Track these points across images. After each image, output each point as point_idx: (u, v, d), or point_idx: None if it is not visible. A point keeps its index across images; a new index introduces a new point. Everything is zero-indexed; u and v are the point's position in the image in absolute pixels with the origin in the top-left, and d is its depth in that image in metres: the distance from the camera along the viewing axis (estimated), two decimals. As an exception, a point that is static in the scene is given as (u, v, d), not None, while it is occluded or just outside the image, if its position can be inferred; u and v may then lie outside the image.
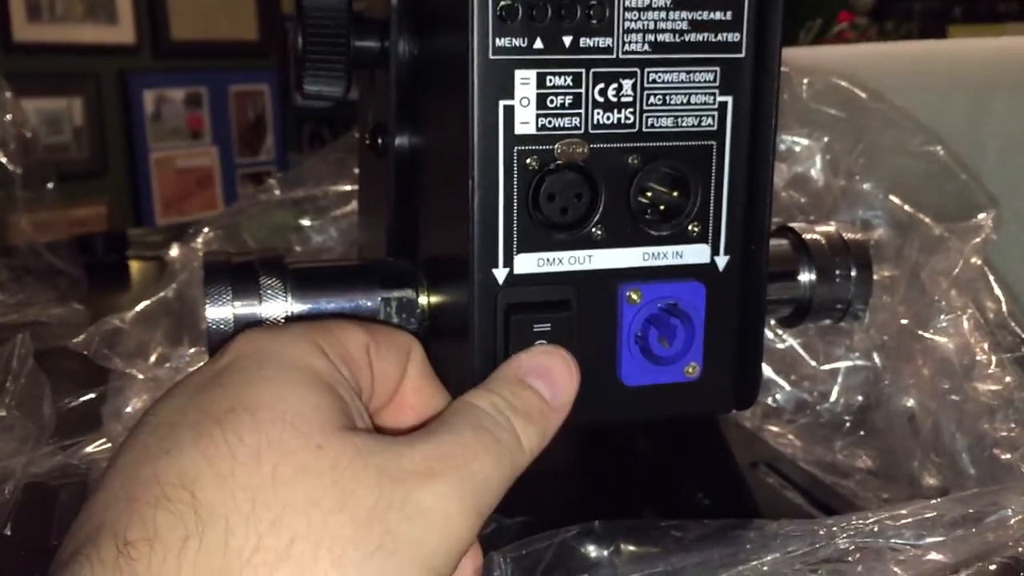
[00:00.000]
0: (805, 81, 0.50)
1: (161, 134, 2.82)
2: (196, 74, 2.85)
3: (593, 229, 0.33)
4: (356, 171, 0.61)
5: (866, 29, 1.55)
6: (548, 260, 0.33)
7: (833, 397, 0.48)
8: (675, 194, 0.34)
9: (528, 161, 0.32)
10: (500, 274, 0.33)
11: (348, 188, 0.61)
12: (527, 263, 0.33)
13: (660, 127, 0.33)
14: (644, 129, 0.33)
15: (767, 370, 0.49)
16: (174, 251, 0.54)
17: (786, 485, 0.43)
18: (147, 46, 2.74)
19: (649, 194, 0.34)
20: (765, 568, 0.29)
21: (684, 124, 0.33)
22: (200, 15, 2.79)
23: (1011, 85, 0.58)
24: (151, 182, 2.79)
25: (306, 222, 0.59)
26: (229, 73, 2.93)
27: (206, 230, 0.57)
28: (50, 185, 0.78)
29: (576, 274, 0.33)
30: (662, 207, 0.34)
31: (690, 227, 0.34)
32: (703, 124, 0.33)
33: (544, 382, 0.31)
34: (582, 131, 0.32)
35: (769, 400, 0.49)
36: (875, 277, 0.41)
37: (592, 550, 0.31)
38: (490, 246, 0.32)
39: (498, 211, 0.32)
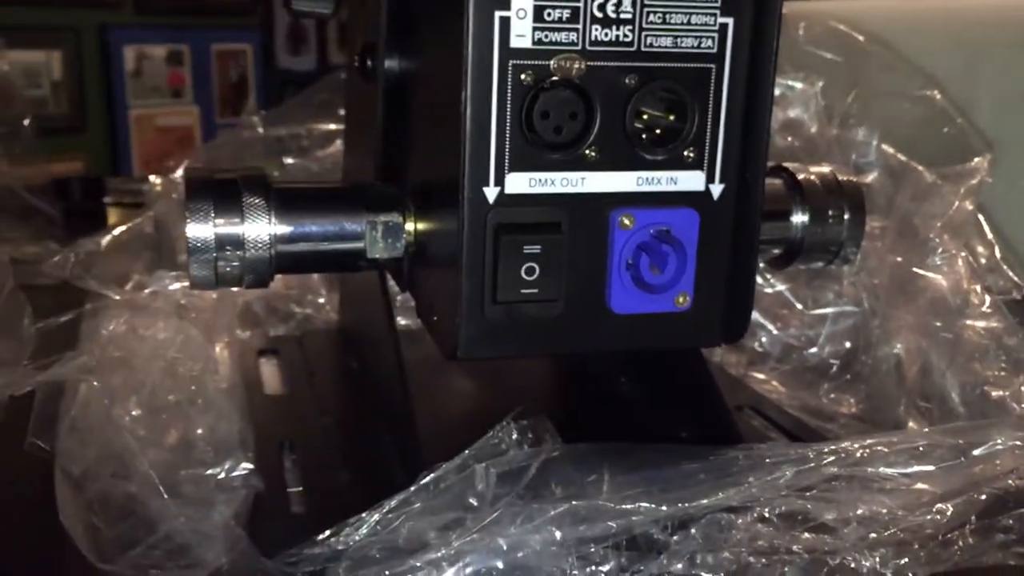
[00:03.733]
0: (802, 24, 0.49)
1: (141, 91, 2.78)
2: (178, 31, 2.80)
3: (587, 151, 0.32)
4: (341, 112, 0.60)
5: None
6: (540, 180, 0.32)
7: (820, 342, 0.47)
8: (672, 118, 0.33)
9: (523, 76, 0.31)
10: (491, 193, 0.32)
11: (332, 127, 0.60)
12: (519, 183, 0.32)
13: (659, 47, 0.32)
14: (643, 48, 0.32)
15: (754, 314, 0.48)
16: (153, 182, 0.52)
17: (770, 427, 0.42)
18: (129, 1, 2.69)
19: (645, 116, 0.33)
20: (752, 490, 0.29)
21: (683, 45, 0.32)
22: (183, -29, 2.75)
23: (1006, 42, 0.57)
24: (130, 139, 2.75)
25: (289, 160, 0.58)
26: (212, 31, 2.88)
27: (186, 164, 0.55)
28: (26, 122, 0.76)
29: (568, 196, 0.33)
30: (658, 131, 0.33)
31: (686, 152, 0.33)
32: (703, 46, 0.33)
33: None
34: (579, 47, 0.31)
35: (756, 345, 0.49)
36: (866, 227, 0.41)
37: (576, 468, 0.30)
38: (481, 164, 0.32)
39: (490, 127, 0.31)
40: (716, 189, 0.34)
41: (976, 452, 0.31)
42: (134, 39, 2.70)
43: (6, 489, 0.38)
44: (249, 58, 2.99)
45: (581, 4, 0.31)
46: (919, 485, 0.30)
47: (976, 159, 0.44)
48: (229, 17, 2.91)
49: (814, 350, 0.48)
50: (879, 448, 0.30)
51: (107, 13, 2.64)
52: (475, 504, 0.30)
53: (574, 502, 0.29)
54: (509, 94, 0.31)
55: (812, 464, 0.30)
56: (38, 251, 0.70)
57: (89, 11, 2.60)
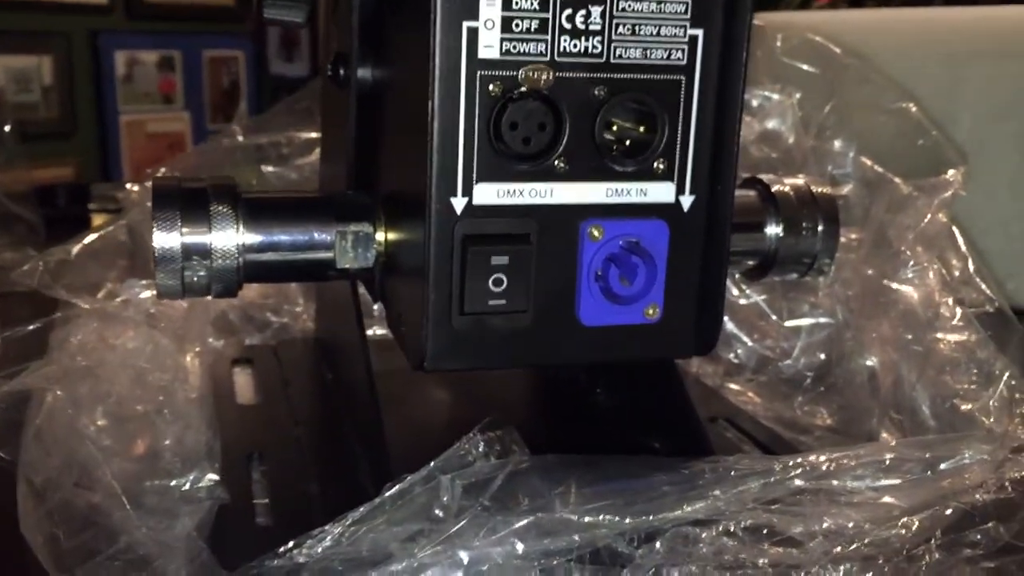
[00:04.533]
0: (779, 36, 0.49)
1: (132, 97, 2.77)
2: (170, 37, 2.80)
3: (556, 162, 0.32)
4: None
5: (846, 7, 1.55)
6: (508, 192, 0.32)
7: (795, 354, 0.47)
8: (641, 129, 0.33)
9: (491, 87, 0.31)
10: (459, 203, 0.32)
11: (313, 135, 0.59)
12: (487, 193, 0.32)
13: (628, 58, 0.32)
14: (612, 60, 0.32)
15: (729, 325, 0.48)
16: (130, 187, 0.52)
17: (744, 439, 0.42)
18: (120, 6, 2.68)
19: (615, 128, 0.33)
20: (718, 504, 0.29)
21: (653, 56, 0.32)
22: (175, -23, 2.74)
23: (987, 55, 0.57)
24: (120, 145, 2.75)
25: (268, 168, 0.58)
26: (204, 37, 2.88)
27: (163, 170, 0.55)
28: (7, 127, 0.76)
29: (537, 207, 0.33)
30: (627, 142, 0.33)
31: (656, 164, 0.33)
32: (672, 57, 0.33)
33: None
34: (548, 58, 0.31)
35: (732, 356, 0.49)
36: (842, 239, 0.41)
37: (542, 480, 0.30)
38: (449, 174, 0.31)
39: (458, 138, 0.31)
40: (686, 200, 0.34)
41: (943, 466, 0.30)
42: (125, 45, 2.70)
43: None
44: (241, 64, 2.98)
45: (550, 15, 0.31)
46: (886, 499, 0.30)
47: (951, 171, 0.44)
48: (221, 23, 2.90)
49: (789, 362, 0.47)
50: (846, 461, 0.30)
51: (98, 18, 2.63)
52: (440, 515, 0.30)
53: (538, 515, 0.29)
54: (477, 104, 0.31)
55: (778, 477, 0.30)
56: (17, 258, 0.70)
57: (80, 16, 2.59)
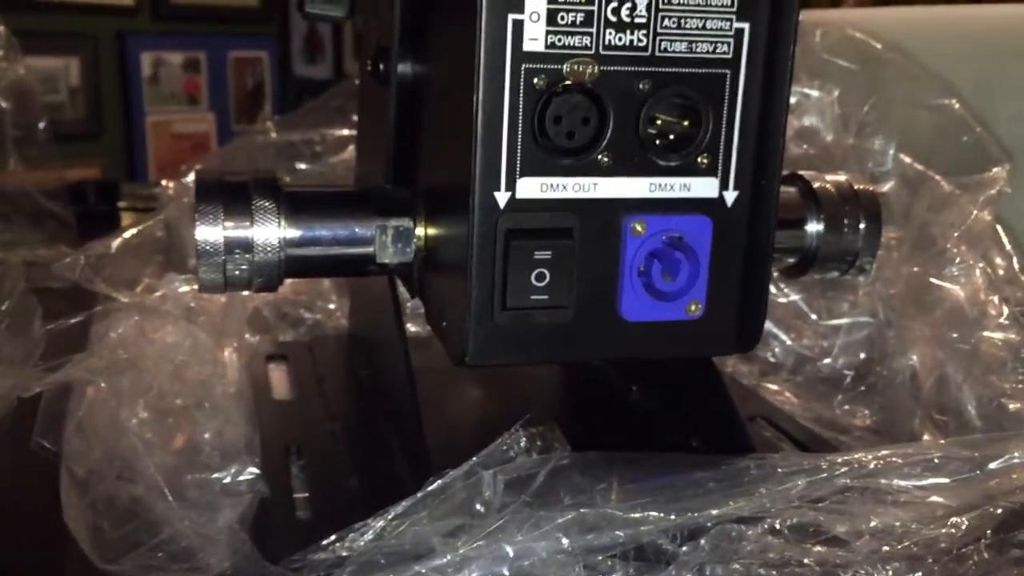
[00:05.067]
0: (818, 31, 0.49)
1: (158, 98, 2.80)
2: (195, 38, 2.82)
3: (599, 156, 0.32)
4: (355, 118, 0.60)
5: (873, 6, 1.54)
6: (552, 186, 0.32)
7: (834, 353, 0.47)
8: (685, 124, 0.33)
9: (535, 80, 0.31)
10: (502, 198, 0.32)
11: (346, 133, 0.60)
12: (530, 188, 0.32)
13: (673, 52, 0.32)
14: (657, 53, 0.32)
15: (767, 324, 0.48)
16: (166, 186, 0.52)
17: (783, 439, 0.42)
18: (147, 8, 2.71)
19: (659, 122, 0.33)
20: (764, 501, 0.28)
21: (698, 50, 0.32)
22: (201, -21, 2.76)
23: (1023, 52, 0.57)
24: (146, 146, 2.77)
25: (301, 166, 0.58)
26: (229, 39, 2.90)
27: (197, 167, 0.55)
28: (41, 125, 0.76)
29: (580, 202, 0.32)
30: (671, 136, 0.33)
31: (699, 159, 0.33)
32: (718, 51, 0.32)
33: None
34: (592, 51, 0.31)
35: (769, 356, 0.48)
36: (883, 233, 0.40)
37: (584, 476, 0.30)
38: (492, 168, 0.31)
39: (502, 131, 0.31)
40: (730, 196, 0.34)
41: (992, 465, 0.30)
42: (151, 46, 2.72)
43: (11, 489, 0.38)
44: (265, 66, 3.00)
45: (595, 8, 0.31)
46: (933, 498, 0.29)
47: (995, 169, 0.43)
48: (246, 25, 2.92)
49: (828, 361, 0.47)
50: (893, 460, 0.30)
51: (125, 20, 2.66)
52: (482, 511, 0.30)
53: (582, 510, 0.29)
54: (521, 98, 0.31)
55: (824, 475, 0.29)
56: (51, 254, 0.71)
57: (107, 18, 2.62)
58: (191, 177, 0.55)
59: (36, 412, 0.36)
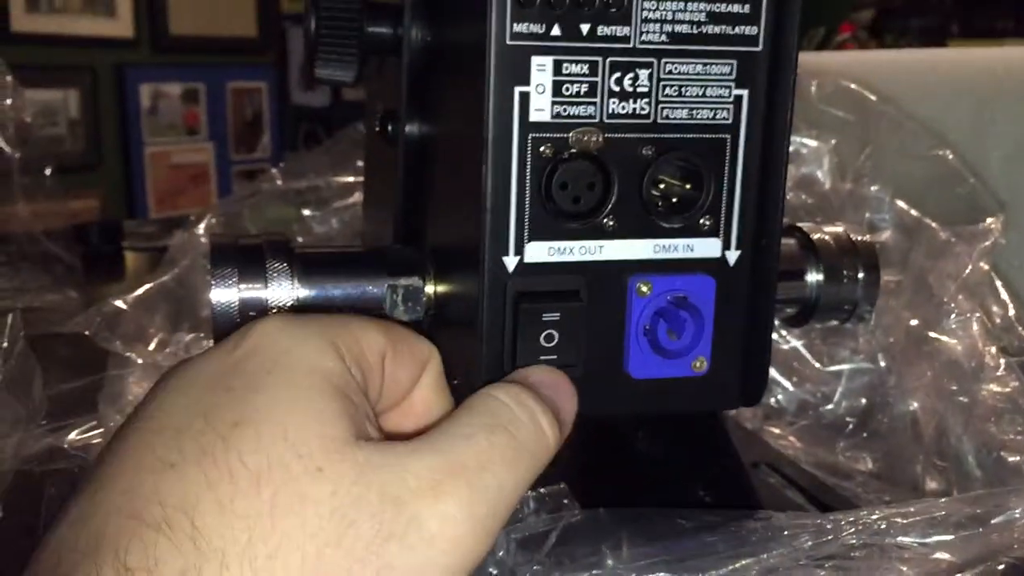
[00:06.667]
0: (814, 83, 0.50)
1: (157, 129, 2.82)
2: (194, 70, 2.84)
3: (605, 220, 0.33)
4: (359, 164, 0.61)
5: (866, 42, 1.56)
6: (559, 249, 0.33)
7: (836, 399, 0.48)
8: (688, 187, 0.34)
9: (542, 149, 0.32)
10: (511, 262, 0.33)
11: (351, 179, 0.60)
12: (538, 252, 0.33)
13: (675, 119, 0.33)
14: (659, 120, 0.33)
15: (769, 370, 0.48)
16: (176, 238, 0.53)
17: (788, 486, 0.43)
18: (145, 40, 2.73)
19: (662, 186, 0.34)
20: (770, 561, 0.29)
21: (699, 116, 0.33)
22: (199, 10, 2.79)
23: (1014, 94, 0.58)
24: (145, 177, 2.79)
25: (307, 212, 0.59)
26: (227, 69, 2.92)
27: (208, 217, 0.56)
28: (48, 171, 0.77)
29: (587, 264, 0.33)
30: (674, 199, 0.34)
31: (702, 220, 0.34)
32: (718, 117, 0.33)
33: (554, 394, 0.30)
34: (597, 120, 0.32)
35: (772, 401, 0.49)
36: (881, 281, 0.41)
37: (596, 536, 0.31)
38: (502, 234, 0.32)
39: (510, 198, 0.32)
40: (732, 256, 0.35)
41: (994, 520, 0.31)
42: (150, 78, 2.74)
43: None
44: (264, 95, 3.02)
45: (599, 79, 0.32)
46: (938, 554, 0.30)
47: (989, 219, 0.44)
48: (244, 55, 2.95)
49: (830, 407, 0.48)
50: (896, 519, 0.30)
51: (124, 52, 2.68)
52: (495, 573, 0.31)
53: (594, 571, 0.30)
54: (529, 166, 0.32)
55: (830, 535, 0.30)
56: (58, 299, 0.71)
57: (106, 50, 2.64)
58: (201, 227, 0.56)
59: (37, 483, 0.36)
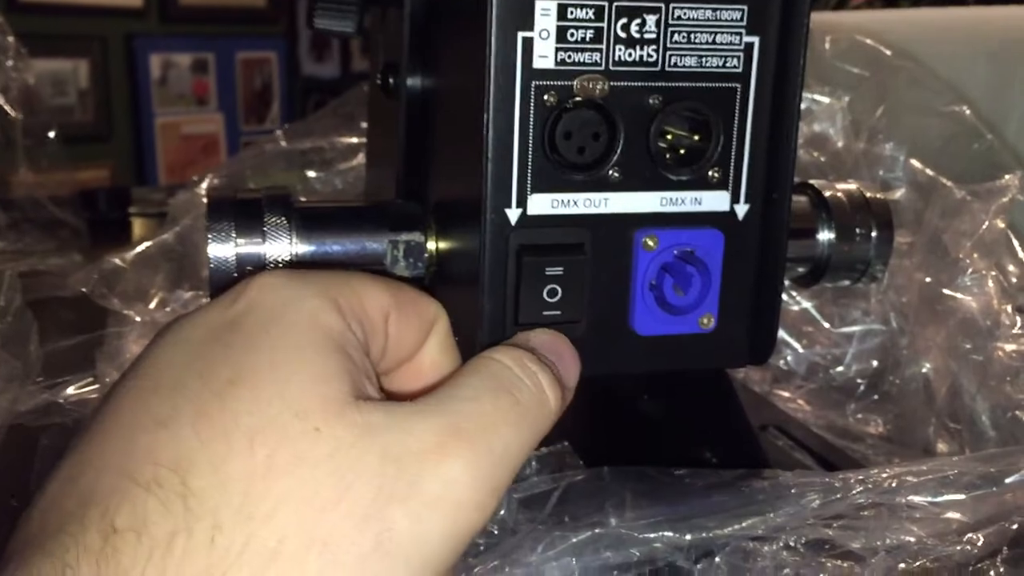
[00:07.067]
0: (828, 38, 0.49)
1: (166, 99, 2.81)
2: (203, 40, 2.83)
3: (610, 171, 0.32)
4: (364, 125, 0.60)
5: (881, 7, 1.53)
6: (563, 202, 0.32)
7: (847, 361, 0.47)
8: (696, 138, 0.33)
9: (545, 97, 0.31)
10: (513, 214, 0.32)
11: (355, 140, 0.60)
12: (541, 204, 0.32)
13: (683, 67, 0.32)
14: (667, 68, 0.32)
15: (780, 332, 0.48)
16: (178, 196, 0.53)
17: (796, 448, 0.42)
18: (155, 10, 2.72)
19: (669, 137, 0.33)
20: (778, 520, 0.28)
21: (708, 64, 0.32)
22: (208, -20, 2.77)
23: (1036, 53, 0.56)
24: (155, 147, 2.78)
25: (312, 174, 0.58)
26: (236, 40, 2.90)
27: (211, 176, 0.56)
28: (51, 134, 0.77)
29: (591, 217, 0.32)
30: (682, 151, 0.33)
31: (710, 173, 0.33)
32: (728, 65, 0.32)
33: (556, 358, 0.30)
34: (602, 67, 0.31)
35: (781, 363, 0.48)
36: (895, 241, 0.40)
37: (598, 494, 0.30)
38: (504, 185, 0.31)
39: (513, 149, 0.31)
40: (741, 209, 0.34)
41: (1008, 480, 0.30)
42: (160, 48, 2.73)
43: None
44: (273, 66, 3.01)
45: (605, 24, 0.31)
46: (949, 514, 0.29)
47: (1007, 176, 0.43)
48: (253, 25, 2.93)
49: (840, 369, 0.47)
50: (908, 477, 0.29)
51: (133, 22, 2.66)
52: (496, 531, 0.30)
53: (597, 529, 0.29)
54: (532, 115, 0.31)
55: (839, 493, 0.29)
56: (63, 263, 0.71)
57: (115, 20, 2.63)
58: (203, 186, 0.55)
59: (31, 439, 0.35)
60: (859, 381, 0.46)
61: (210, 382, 0.24)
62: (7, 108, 0.71)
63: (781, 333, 0.48)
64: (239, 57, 2.94)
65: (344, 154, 0.60)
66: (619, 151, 0.32)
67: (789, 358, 0.48)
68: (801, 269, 0.41)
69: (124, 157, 2.71)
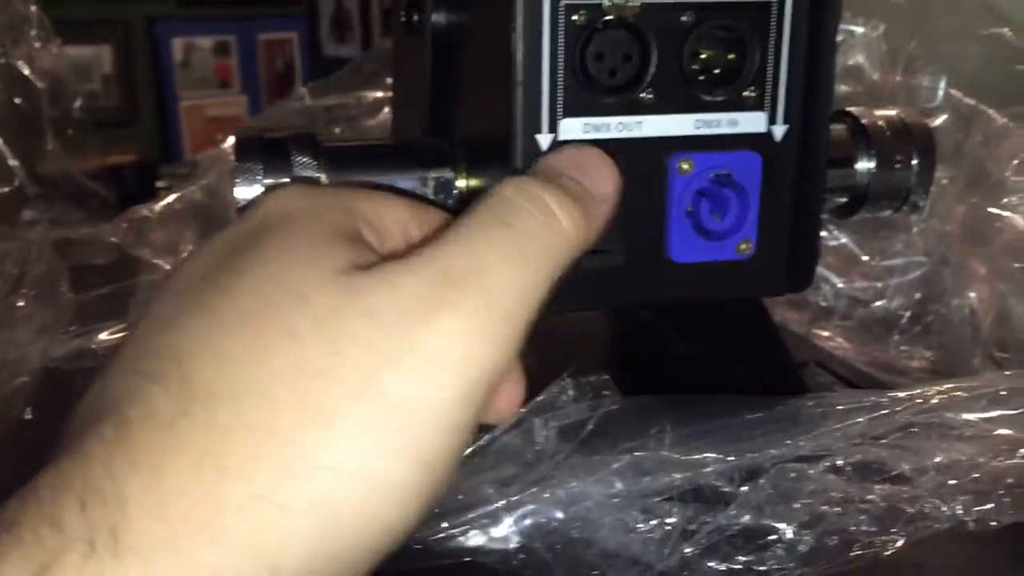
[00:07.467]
0: (862, -35, 0.48)
1: (189, 82, 2.82)
2: (224, 22, 2.83)
3: (643, 93, 0.31)
4: (389, 81, 0.60)
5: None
6: (595, 126, 0.31)
7: (888, 294, 0.46)
8: (730, 57, 0.32)
9: (575, 17, 0.30)
10: (544, 140, 0.31)
11: (380, 95, 0.59)
12: (572, 128, 0.31)
13: (716, -18, 0.31)
14: (699, -17, 0.31)
15: (817, 268, 0.47)
16: (206, 152, 0.52)
17: (838, 383, 0.41)
18: (175, -8, 2.72)
19: (703, 56, 0.32)
20: (824, 440, 0.28)
21: (742, -21, 0.31)
22: (227, -39, 2.77)
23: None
24: (181, 131, 2.79)
25: (337, 130, 0.58)
26: (257, 21, 2.91)
27: (237, 134, 0.55)
28: (77, 103, 0.76)
29: (624, 141, 0.32)
30: (716, 71, 0.32)
31: (746, 93, 0.32)
32: (762, -21, 0.31)
33: (580, 174, 0.27)
34: (633, -16, 0.30)
35: (820, 300, 0.47)
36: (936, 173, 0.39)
37: (637, 421, 0.29)
38: (534, 110, 0.31)
39: (542, 72, 0.30)
40: (779, 130, 0.33)
41: (1062, 396, 0.29)
42: (181, 31, 2.73)
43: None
44: (295, 47, 3.01)
45: (634, -61, 0.30)
46: (999, 431, 0.28)
47: (1052, 96, 0.42)
48: (274, 6, 2.93)
49: (882, 303, 0.46)
50: (957, 394, 0.29)
51: (154, 6, 2.67)
52: (534, 459, 0.30)
53: (636, 454, 0.29)
54: (561, 36, 0.30)
55: (886, 412, 0.28)
56: (92, 232, 0.71)
57: (137, 5, 2.63)
58: (229, 142, 0.55)
59: (66, 381, 0.35)
60: (901, 314, 0.45)
61: (215, 279, 0.24)
62: (33, 79, 0.71)
63: (820, 270, 0.47)
64: (260, 39, 2.94)
65: (369, 110, 0.60)
66: (652, 72, 0.31)
67: (828, 294, 0.47)
68: (840, 199, 0.40)
69: (150, 141, 2.72)
